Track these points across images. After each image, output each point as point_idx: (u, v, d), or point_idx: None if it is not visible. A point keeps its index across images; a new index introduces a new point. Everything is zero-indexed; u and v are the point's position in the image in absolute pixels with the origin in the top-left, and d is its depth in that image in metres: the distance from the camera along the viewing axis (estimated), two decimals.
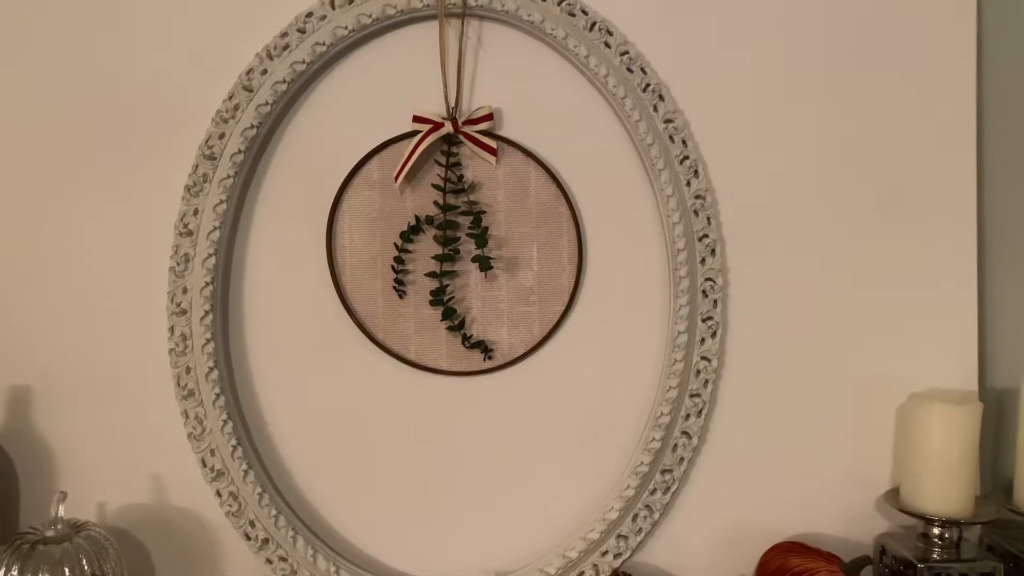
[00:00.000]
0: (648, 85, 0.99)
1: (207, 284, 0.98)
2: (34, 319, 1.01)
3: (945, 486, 0.91)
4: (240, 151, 0.98)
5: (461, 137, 0.99)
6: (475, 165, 1.01)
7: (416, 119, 1.00)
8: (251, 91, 0.98)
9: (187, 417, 0.98)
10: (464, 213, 1.00)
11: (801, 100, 1.01)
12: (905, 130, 1.01)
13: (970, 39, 1.00)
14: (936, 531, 0.92)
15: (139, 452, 1.01)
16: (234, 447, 0.97)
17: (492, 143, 1.00)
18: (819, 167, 1.01)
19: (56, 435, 1.01)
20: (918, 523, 0.94)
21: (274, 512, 0.97)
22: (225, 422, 0.97)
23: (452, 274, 1.01)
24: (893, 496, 0.96)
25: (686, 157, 1.00)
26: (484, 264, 0.98)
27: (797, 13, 1.00)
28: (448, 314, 1.00)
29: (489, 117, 1.00)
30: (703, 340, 1.00)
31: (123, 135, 1.01)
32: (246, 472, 0.97)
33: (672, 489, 1.00)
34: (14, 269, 1.01)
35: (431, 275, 1.00)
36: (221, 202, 0.98)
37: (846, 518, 1.02)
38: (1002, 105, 1.03)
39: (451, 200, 1.00)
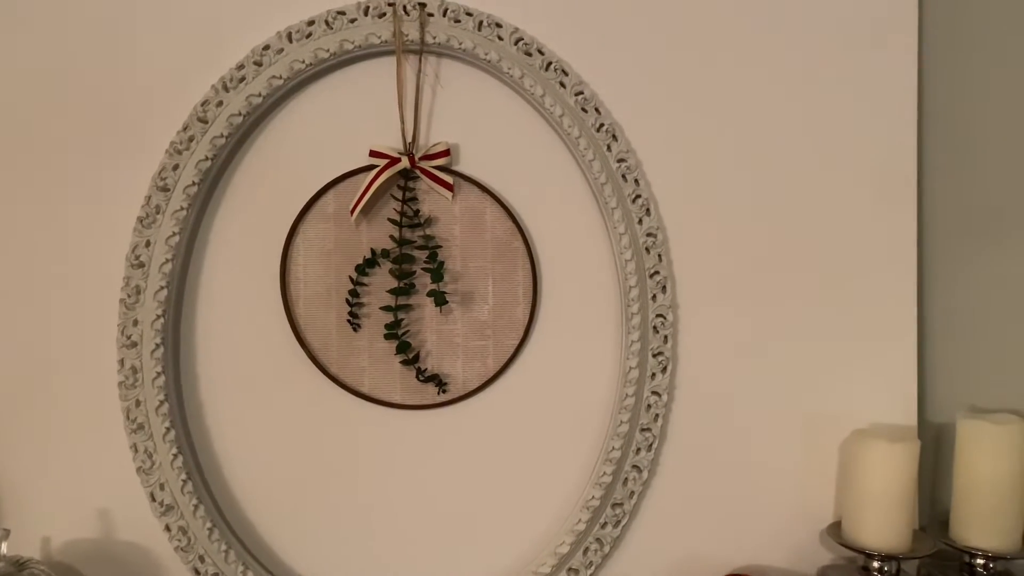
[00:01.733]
0: (602, 125, 1.01)
1: (158, 317, 0.97)
2: None
3: (884, 521, 0.94)
4: (194, 183, 0.98)
5: (418, 172, 1.00)
6: (431, 200, 1.02)
7: (373, 153, 1.00)
8: (206, 123, 0.98)
9: (136, 451, 0.97)
10: (420, 247, 1.01)
11: (750, 140, 1.03)
12: (848, 170, 1.04)
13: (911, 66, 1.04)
14: (876, 564, 0.95)
15: (86, 486, 1.00)
16: (184, 481, 0.96)
17: (448, 178, 1.01)
18: (766, 208, 1.04)
19: (0, 469, 1.00)
20: (859, 556, 0.96)
21: (224, 547, 0.97)
22: (175, 456, 0.97)
23: (407, 308, 1.01)
24: (835, 530, 0.99)
25: (638, 196, 1.02)
26: (439, 299, 0.99)
27: (749, 50, 1.03)
28: (402, 348, 1.00)
29: (446, 153, 1.01)
30: (654, 375, 1.02)
31: (75, 164, 1.00)
32: (196, 507, 0.96)
33: (622, 523, 1.01)
34: None
35: (386, 309, 1.00)
36: (174, 234, 0.97)
37: (791, 550, 1.04)
38: (942, 143, 1.07)
39: (407, 234, 1.01)
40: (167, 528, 0.97)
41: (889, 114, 1.04)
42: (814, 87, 1.04)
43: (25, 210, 1.00)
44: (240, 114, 0.98)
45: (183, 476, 0.96)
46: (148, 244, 0.98)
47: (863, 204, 1.04)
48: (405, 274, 1.00)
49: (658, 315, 1.02)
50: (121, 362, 0.97)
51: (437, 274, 0.99)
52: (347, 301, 1.01)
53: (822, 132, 1.04)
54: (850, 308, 1.04)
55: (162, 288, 0.97)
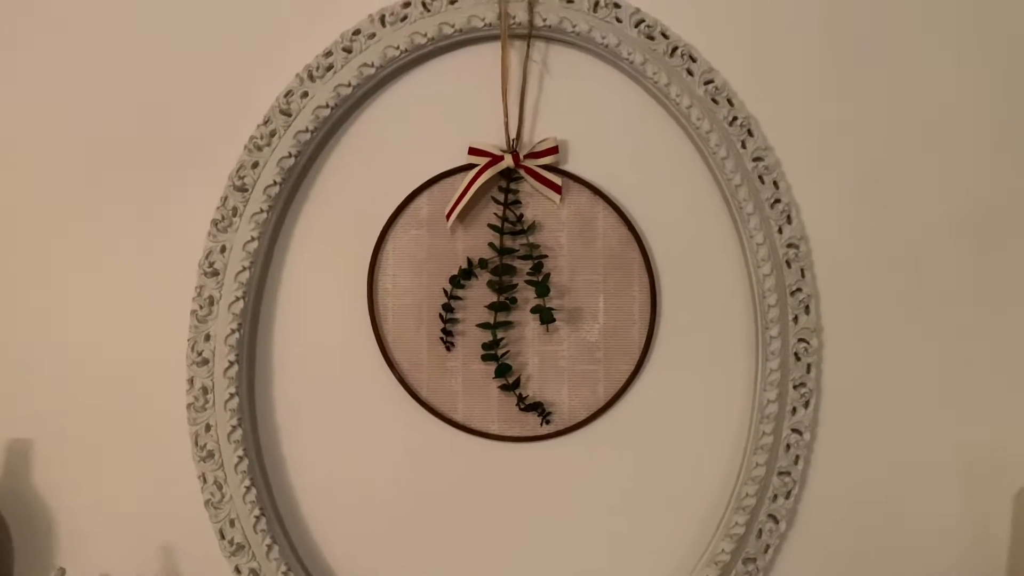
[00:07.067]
0: (735, 119, 0.88)
1: (233, 331, 0.87)
2: (38, 364, 0.90)
3: None
4: (275, 183, 0.87)
5: (522, 172, 0.88)
6: (535, 203, 0.90)
7: (472, 151, 0.89)
8: (289, 116, 0.88)
9: (205, 481, 0.87)
10: (523, 257, 0.89)
11: (904, 137, 0.89)
12: (1014, 171, 0.89)
13: None
14: None
15: (150, 519, 0.89)
16: (257, 518, 0.86)
17: (557, 179, 0.88)
18: (924, 217, 0.89)
19: (58, 496, 0.90)
20: None
21: None
22: (248, 488, 0.86)
23: (507, 325, 0.89)
24: None
25: (778, 200, 0.88)
26: (546, 316, 0.86)
27: (908, 38, 0.89)
28: (503, 371, 0.88)
29: (554, 150, 0.88)
30: (794, 410, 0.87)
31: (143, 163, 0.90)
32: (270, 547, 0.85)
33: None
34: (18, 308, 0.91)
35: (484, 326, 0.88)
36: (252, 239, 0.87)
37: None
38: None
39: (508, 242, 0.89)
40: (237, 570, 0.86)
41: None
42: (981, 80, 0.89)
43: (89, 212, 0.91)
44: (327, 106, 0.87)
45: (256, 512, 0.86)
46: (224, 250, 0.88)
47: None
48: (505, 287, 0.88)
49: (800, 340, 0.87)
50: (190, 381, 0.87)
51: (542, 288, 0.87)
52: (440, 316, 0.89)
53: (986, 128, 0.89)
54: (1020, 336, 0.89)
55: (238, 299, 0.87)
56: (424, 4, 0.88)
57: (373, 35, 0.88)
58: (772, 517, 0.87)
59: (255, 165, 0.88)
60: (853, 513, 0.89)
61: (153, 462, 0.89)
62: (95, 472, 0.90)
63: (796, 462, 0.87)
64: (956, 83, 0.89)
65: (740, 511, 0.86)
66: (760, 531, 0.87)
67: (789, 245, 0.88)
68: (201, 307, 0.87)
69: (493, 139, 0.89)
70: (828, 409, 0.89)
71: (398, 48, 0.88)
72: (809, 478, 0.88)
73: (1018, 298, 0.89)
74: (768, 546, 0.87)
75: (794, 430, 0.87)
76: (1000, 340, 0.89)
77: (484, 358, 0.88)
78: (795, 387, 0.87)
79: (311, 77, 0.88)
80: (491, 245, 0.89)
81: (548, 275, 0.88)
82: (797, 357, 0.87)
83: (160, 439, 0.89)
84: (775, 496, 0.87)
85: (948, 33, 0.89)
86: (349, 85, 0.88)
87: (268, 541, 0.85)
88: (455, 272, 0.89)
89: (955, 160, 0.89)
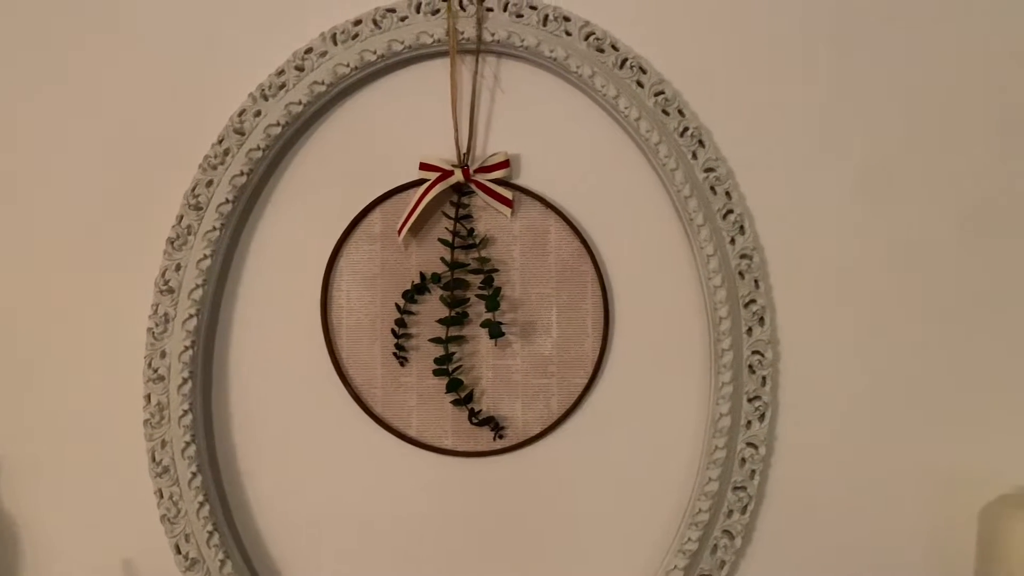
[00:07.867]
0: (687, 129, 0.87)
1: (187, 348, 0.88)
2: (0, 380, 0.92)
3: None
4: (228, 200, 0.88)
5: (472, 186, 0.88)
6: (488, 217, 0.90)
7: (423, 166, 0.89)
8: (243, 134, 0.89)
9: (161, 497, 0.88)
10: (474, 271, 0.88)
11: (869, 144, 0.88)
12: (982, 177, 0.87)
13: None
14: None
15: (111, 533, 0.91)
16: (210, 533, 0.86)
17: (507, 193, 0.88)
18: (885, 225, 0.87)
19: (20, 511, 0.91)
20: None
21: None
22: (202, 504, 0.86)
23: (460, 340, 0.89)
24: None
25: (730, 211, 0.87)
26: (494, 331, 0.86)
27: (865, 41, 0.88)
28: (454, 386, 0.88)
29: (505, 164, 0.88)
30: (749, 424, 0.86)
31: (101, 182, 0.92)
32: (223, 562, 0.86)
33: None
34: None
35: (436, 341, 0.88)
36: (205, 257, 0.88)
37: None
38: None
39: (460, 256, 0.89)
40: None
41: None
42: (951, 88, 0.87)
43: (47, 230, 0.92)
44: (279, 124, 0.88)
45: (209, 527, 0.86)
46: (179, 268, 0.89)
47: (999, 218, 0.87)
48: (457, 301, 0.88)
49: (754, 352, 0.86)
50: (147, 398, 0.88)
51: (492, 302, 0.87)
52: (393, 332, 0.89)
53: (948, 137, 0.87)
54: (989, 346, 0.88)
55: (191, 316, 0.88)
56: (375, 21, 0.89)
57: (324, 53, 0.89)
58: (727, 533, 0.85)
59: (209, 183, 0.89)
60: (812, 529, 0.87)
61: (113, 477, 0.91)
62: (56, 488, 0.91)
63: (752, 476, 0.86)
64: (915, 91, 0.88)
65: (693, 527, 0.84)
66: (715, 547, 0.85)
67: (742, 256, 0.87)
68: (157, 324, 0.89)
69: (445, 154, 0.89)
70: (785, 422, 0.87)
71: (348, 66, 0.88)
72: (766, 493, 0.87)
73: (981, 313, 0.87)
74: (724, 562, 0.85)
75: (749, 444, 0.86)
76: (964, 354, 0.87)
77: (436, 373, 0.88)
78: (749, 400, 0.86)
79: (264, 96, 0.89)
80: (443, 260, 0.89)
81: (499, 289, 0.88)
82: (752, 370, 0.86)
83: (121, 455, 0.90)
84: (730, 511, 0.85)
85: (900, 41, 0.88)
86: (300, 103, 0.88)
87: (221, 556, 0.86)
88: (408, 287, 0.90)
89: (918, 171, 0.88)
